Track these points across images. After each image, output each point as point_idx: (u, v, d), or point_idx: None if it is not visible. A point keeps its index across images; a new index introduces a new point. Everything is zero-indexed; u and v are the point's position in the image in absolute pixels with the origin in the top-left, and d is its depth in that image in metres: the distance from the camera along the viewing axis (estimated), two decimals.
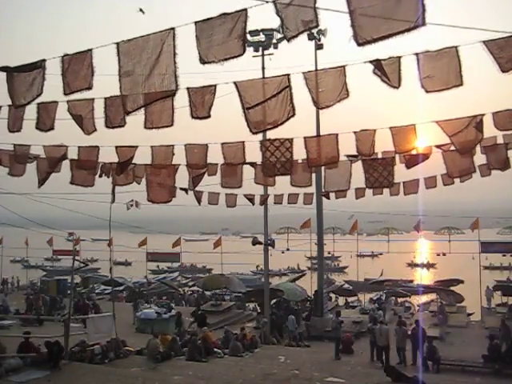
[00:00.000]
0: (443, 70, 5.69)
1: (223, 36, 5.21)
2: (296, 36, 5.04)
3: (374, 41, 4.80)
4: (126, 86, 5.67)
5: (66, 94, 6.08)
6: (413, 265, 60.20)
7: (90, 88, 5.96)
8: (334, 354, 18.09)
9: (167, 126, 6.85)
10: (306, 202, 16.55)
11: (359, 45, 4.85)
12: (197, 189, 13.35)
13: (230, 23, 5.16)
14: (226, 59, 5.30)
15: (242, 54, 5.30)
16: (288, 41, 5.09)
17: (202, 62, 5.35)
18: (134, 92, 5.80)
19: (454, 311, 27.88)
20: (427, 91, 5.82)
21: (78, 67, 5.85)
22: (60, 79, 5.97)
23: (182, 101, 6.53)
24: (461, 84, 5.72)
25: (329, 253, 53.56)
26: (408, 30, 4.71)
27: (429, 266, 61.36)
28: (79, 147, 9.84)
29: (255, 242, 25.46)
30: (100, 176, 10.77)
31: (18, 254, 55.06)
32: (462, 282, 35.01)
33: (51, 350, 13.14)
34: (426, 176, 13.49)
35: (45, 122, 7.44)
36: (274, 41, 23.12)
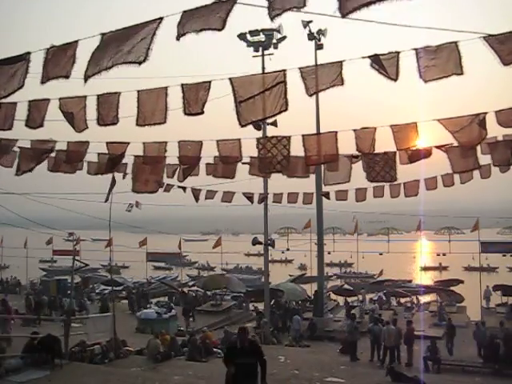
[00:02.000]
0: (443, 59, 5.64)
1: (205, 13, 5.07)
2: (280, 14, 4.86)
3: (360, 7, 4.63)
4: (94, 57, 5.42)
5: (42, 82, 5.77)
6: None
7: (67, 76, 5.69)
8: (350, 357, 17.88)
9: (160, 123, 6.71)
10: (306, 202, 16.49)
11: (344, 15, 4.69)
12: (195, 187, 13.29)
13: (216, 7, 5.08)
14: (201, 30, 5.11)
15: (220, 29, 5.07)
16: (272, 19, 4.97)
17: (178, 36, 5.15)
18: (100, 60, 5.47)
19: (454, 311, 27.89)
20: (426, 81, 5.76)
21: (59, 58, 5.66)
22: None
23: (175, 98, 6.43)
24: (461, 73, 5.66)
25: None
26: None
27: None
28: (68, 142, 9.58)
29: (255, 242, 25.48)
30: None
31: (18, 254, 54.95)
32: (461, 281, 35.09)
33: (52, 350, 13.10)
34: (426, 177, 13.44)
35: (35, 119, 7.30)
36: (274, 41, 23.14)
